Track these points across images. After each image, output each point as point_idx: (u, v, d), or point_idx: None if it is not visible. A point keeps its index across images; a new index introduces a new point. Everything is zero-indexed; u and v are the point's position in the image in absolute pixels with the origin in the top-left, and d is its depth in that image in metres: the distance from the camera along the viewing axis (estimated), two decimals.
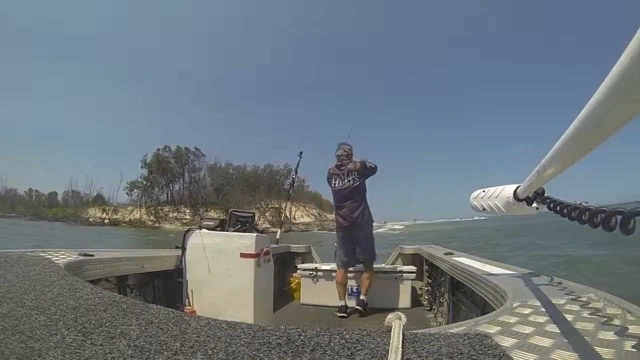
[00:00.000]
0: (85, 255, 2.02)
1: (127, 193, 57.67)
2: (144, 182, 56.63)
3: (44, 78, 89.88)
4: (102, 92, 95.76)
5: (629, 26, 0.47)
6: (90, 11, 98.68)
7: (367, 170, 3.53)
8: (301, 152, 5.08)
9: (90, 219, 52.44)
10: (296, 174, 5.51)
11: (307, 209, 59.39)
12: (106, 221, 52.15)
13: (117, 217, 53.69)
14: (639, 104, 0.49)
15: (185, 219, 52.85)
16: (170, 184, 57.96)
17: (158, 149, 58.07)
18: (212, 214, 52.35)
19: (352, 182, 3.53)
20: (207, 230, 2.80)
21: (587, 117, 0.61)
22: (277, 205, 55.15)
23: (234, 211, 3.11)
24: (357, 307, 3.55)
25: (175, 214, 54.81)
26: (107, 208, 55.77)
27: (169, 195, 58.01)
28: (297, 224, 53.90)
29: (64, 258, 1.84)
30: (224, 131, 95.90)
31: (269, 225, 50.69)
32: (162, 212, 54.81)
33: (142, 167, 57.26)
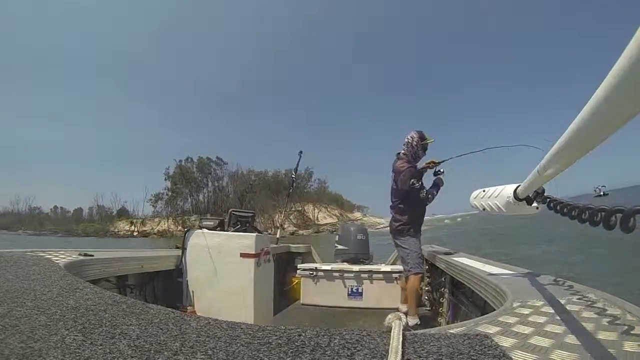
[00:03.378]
0: (85, 255, 2.02)
1: (152, 205, 58.74)
2: (169, 193, 57.72)
3: (46, 98, 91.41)
4: (116, 109, 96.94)
5: (629, 25, 0.47)
6: (97, 27, 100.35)
7: (402, 183, 3.03)
8: (301, 152, 5.27)
9: (120, 233, 53.49)
10: (296, 173, 5.70)
11: (329, 209, 60.47)
12: (135, 233, 53.17)
13: (145, 228, 54.73)
14: (638, 104, 0.49)
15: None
16: (195, 194, 59.07)
17: (180, 161, 59.17)
18: None
19: (393, 183, 3.18)
20: (207, 230, 2.80)
21: (587, 116, 0.62)
22: (300, 208, 56.18)
23: (234, 211, 3.11)
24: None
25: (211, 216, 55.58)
26: (134, 221, 56.84)
27: (193, 204, 59.06)
28: (323, 225, 54.99)
29: (63, 258, 1.83)
30: (242, 138, 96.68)
31: (295, 228, 51.59)
32: (189, 222, 55.87)
33: (165, 179, 58.33)
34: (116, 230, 54.72)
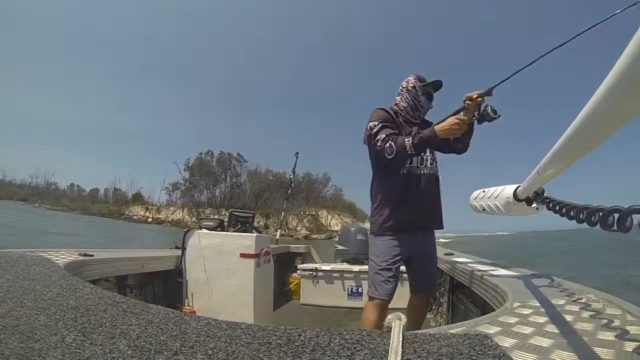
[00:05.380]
0: (85, 255, 2.03)
1: (168, 194, 59.66)
2: (186, 184, 58.54)
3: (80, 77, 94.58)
4: (143, 94, 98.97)
5: (629, 26, 0.47)
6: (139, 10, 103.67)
7: (367, 138, 1.89)
8: (297, 153, 5.33)
9: (134, 217, 54.50)
10: (294, 174, 5.64)
11: (341, 217, 59.77)
12: (150, 220, 54.00)
13: (160, 216, 55.58)
14: (638, 104, 0.49)
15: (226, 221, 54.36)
16: (212, 187, 59.67)
17: (201, 153, 60.02)
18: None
19: None
20: (207, 231, 2.81)
21: (587, 116, 0.61)
22: (314, 212, 55.77)
23: (234, 211, 3.11)
24: None
25: (216, 216, 56.20)
26: (150, 207, 57.86)
27: (209, 197, 59.65)
28: (335, 231, 54.27)
29: (64, 258, 1.84)
30: (264, 138, 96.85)
31: (307, 232, 51.14)
32: (203, 214, 56.45)
33: (184, 170, 59.27)
34: (131, 214, 55.81)
